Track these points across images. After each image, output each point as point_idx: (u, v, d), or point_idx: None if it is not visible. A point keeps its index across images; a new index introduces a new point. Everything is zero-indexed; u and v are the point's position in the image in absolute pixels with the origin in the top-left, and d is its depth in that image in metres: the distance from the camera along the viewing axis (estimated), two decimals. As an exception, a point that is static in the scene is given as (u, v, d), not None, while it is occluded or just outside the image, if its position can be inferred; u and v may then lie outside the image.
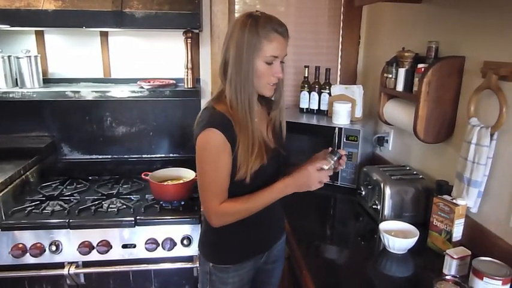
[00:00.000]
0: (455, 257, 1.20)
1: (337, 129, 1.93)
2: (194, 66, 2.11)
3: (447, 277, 1.09)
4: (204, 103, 2.18)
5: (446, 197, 1.35)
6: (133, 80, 2.17)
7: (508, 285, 1.05)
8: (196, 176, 1.91)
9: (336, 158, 1.23)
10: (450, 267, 1.21)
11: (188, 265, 1.77)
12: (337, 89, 2.09)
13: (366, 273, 1.32)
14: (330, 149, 1.27)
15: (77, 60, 2.19)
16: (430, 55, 1.52)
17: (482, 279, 1.06)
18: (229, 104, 1.21)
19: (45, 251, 1.69)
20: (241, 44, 1.16)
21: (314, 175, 1.20)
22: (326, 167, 1.22)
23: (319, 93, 2.16)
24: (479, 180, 1.28)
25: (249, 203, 1.23)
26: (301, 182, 1.21)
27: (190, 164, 2.04)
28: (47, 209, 1.78)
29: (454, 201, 1.31)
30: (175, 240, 1.76)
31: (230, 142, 1.17)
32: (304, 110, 2.22)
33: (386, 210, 1.55)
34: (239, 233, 1.32)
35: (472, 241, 1.33)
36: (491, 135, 1.24)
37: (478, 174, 1.27)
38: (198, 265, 1.74)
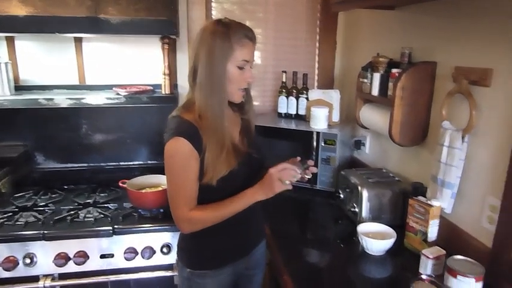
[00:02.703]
0: (430, 256, 1.23)
1: (315, 133, 1.95)
2: (171, 72, 2.10)
3: (423, 276, 1.12)
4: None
5: (421, 198, 1.39)
6: (109, 87, 2.14)
7: (481, 283, 1.08)
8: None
9: (303, 168, 1.27)
10: (426, 267, 1.24)
11: (168, 273, 1.75)
12: (314, 93, 2.12)
13: (347, 276, 1.34)
14: (299, 158, 1.30)
15: (50, 67, 2.14)
16: (403, 60, 1.56)
17: (456, 277, 1.09)
18: (197, 110, 1.21)
19: (18, 264, 1.63)
20: (213, 49, 1.17)
21: (275, 179, 1.20)
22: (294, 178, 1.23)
23: (297, 98, 2.18)
24: (452, 182, 1.32)
25: (219, 210, 1.24)
26: (265, 186, 1.22)
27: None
28: (20, 220, 1.72)
29: (428, 202, 1.35)
30: (154, 249, 1.74)
31: (197, 149, 1.18)
32: (283, 115, 2.24)
33: (364, 213, 1.58)
34: (217, 238, 1.32)
35: (446, 241, 1.37)
36: (463, 137, 1.28)
37: (451, 175, 1.31)
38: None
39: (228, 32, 1.18)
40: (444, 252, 1.25)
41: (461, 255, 1.18)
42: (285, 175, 1.20)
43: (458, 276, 1.09)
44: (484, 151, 1.26)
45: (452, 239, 1.37)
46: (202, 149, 1.19)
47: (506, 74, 1.16)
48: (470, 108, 1.26)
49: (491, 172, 1.24)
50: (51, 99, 1.90)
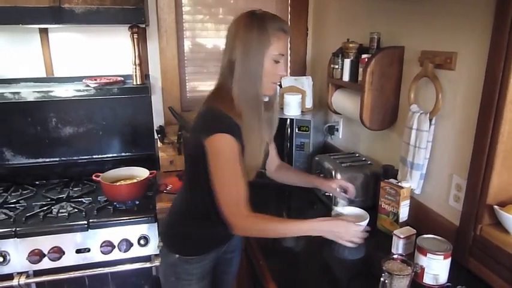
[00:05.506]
0: (401, 236, 1.27)
1: (288, 120, 1.97)
2: (142, 62, 2.06)
3: (395, 256, 1.15)
4: (154, 99, 2.16)
5: (392, 180, 1.42)
6: (78, 78, 2.09)
7: (449, 259, 1.13)
8: (150, 174, 1.89)
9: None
10: (398, 247, 1.28)
11: (146, 265, 1.75)
12: (287, 80, 2.13)
13: (322, 259, 1.37)
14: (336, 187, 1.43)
15: (14, 60, 2.06)
16: (372, 46, 1.58)
17: (425, 255, 1.13)
18: (236, 104, 1.17)
19: (-9, 262, 1.60)
20: (250, 42, 1.15)
21: (352, 230, 1.23)
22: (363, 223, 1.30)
23: (270, 86, 2.18)
24: (420, 163, 1.36)
25: (281, 226, 1.21)
26: (338, 230, 1.23)
27: (143, 162, 2.01)
28: (-10, 218, 1.68)
29: (399, 184, 1.39)
30: (131, 241, 1.73)
31: (240, 146, 1.16)
32: (257, 103, 2.24)
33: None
34: (208, 225, 1.30)
35: (417, 220, 1.42)
36: (430, 120, 1.32)
37: (420, 157, 1.35)
38: (156, 263, 1.73)
39: (265, 25, 1.15)
40: (414, 231, 1.30)
41: (430, 233, 1.22)
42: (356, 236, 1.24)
43: (428, 254, 1.13)
44: (450, 132, 1.30)
45: (422, 218, 1.42)
46: (242, 146, 1.16)
47: (470, 58, 1.19)
48: (436, 92, 1.29)
49: (457, 153, 1.28)
50: (18, 93, 1.83)
